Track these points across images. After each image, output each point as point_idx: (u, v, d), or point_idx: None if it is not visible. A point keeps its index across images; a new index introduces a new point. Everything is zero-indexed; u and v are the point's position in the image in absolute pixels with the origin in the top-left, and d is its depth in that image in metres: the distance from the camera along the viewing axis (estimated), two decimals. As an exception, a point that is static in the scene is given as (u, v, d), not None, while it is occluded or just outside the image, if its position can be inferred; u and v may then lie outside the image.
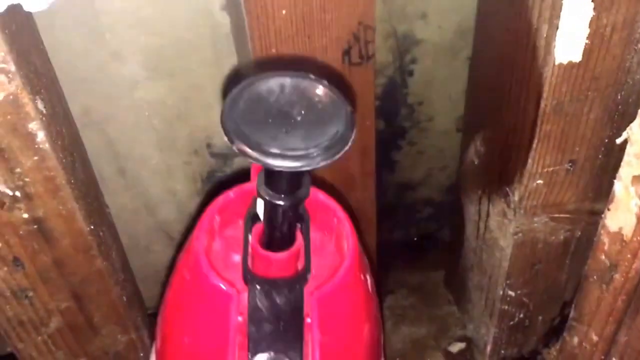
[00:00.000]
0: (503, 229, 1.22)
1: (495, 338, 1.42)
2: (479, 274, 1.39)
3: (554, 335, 1.44)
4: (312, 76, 0.67)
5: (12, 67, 0.74)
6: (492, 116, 1.18)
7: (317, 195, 0.86)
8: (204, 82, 1.21)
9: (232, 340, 0.74)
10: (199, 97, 1.23)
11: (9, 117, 0.77)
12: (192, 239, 0.82)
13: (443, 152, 1.52)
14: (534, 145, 1.05)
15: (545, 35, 0.94)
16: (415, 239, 1.70)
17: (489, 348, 1.44)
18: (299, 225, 0.78)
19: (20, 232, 0.88)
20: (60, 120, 0.90)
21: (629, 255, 1.01)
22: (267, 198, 0.69)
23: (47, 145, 0.81)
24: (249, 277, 0.75)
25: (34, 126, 0.79)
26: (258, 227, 0.78)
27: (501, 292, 1.31)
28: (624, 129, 0.94)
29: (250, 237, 0.78)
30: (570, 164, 1.10)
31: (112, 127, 1.20)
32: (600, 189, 1.14)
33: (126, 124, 1.21)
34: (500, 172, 1.18)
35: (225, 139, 0.62)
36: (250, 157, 0.61)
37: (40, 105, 0.79)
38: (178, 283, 0.84)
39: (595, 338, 1.16)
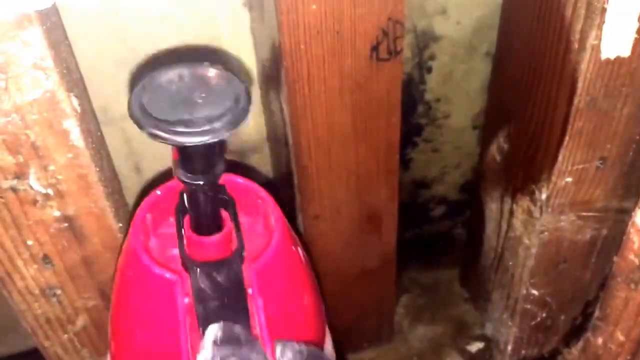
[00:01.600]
0: (528, 228, 1.22)
1: (516, 337, 1.42)
2: (501, 272, 1.39)
3: (575, 334, 1.44)
4: (206, 63, 0.73)
5: (50, 64, 0.74)
6: (517, 112, 1.18)
7: (237, 181, 0.90)
8: None
9: (182, 322, 0.77)
10: None
11: (45, 114, 0.77)
12: (128, 239, 0.83)
13: (459, 150, 1.52)
14: (565, 142, 1.05)
15: (580, 30, 0.94)
16: (429, 237, 1.69)
17: (509, 347, 1.44)
18: (225, 209, 0.83)
19: (51, 230, 0.88)
20: (89, 117, 0.90)
21: None
22: (185, 180, 0.74)
23: (81, 143, 0.82)
24: (188, 263, 0.78)
25: (69, 123, 0.80)
26: (189, 217, 0.82)
27: (524, 291, 1.31)
28: None
29: (183, 226, 0.81)
30: (600, 161, 1.10)
31: (130, 125, 1.19)
32: (630, 186, 1.13)
33: None
34: (526, 170, 1.18)
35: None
36: (161, 138, 0.68)
37: (75, 103, 0.80)
38: (121, 283, 0.86)
39: (621, 338, 1.16)
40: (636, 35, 0.89)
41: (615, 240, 1.15)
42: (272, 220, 0.87)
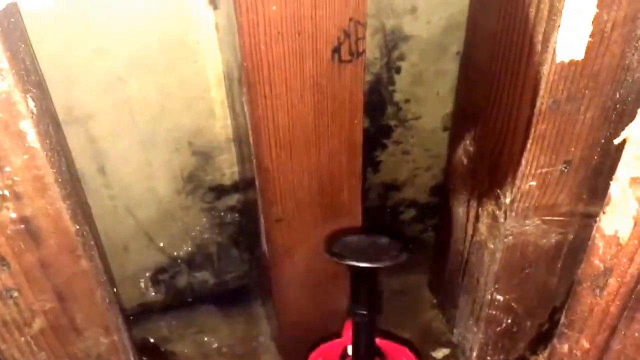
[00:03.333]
0: (493, 232, 1.24)
1: (482, 344, 1.44)
2: (467, 277, 1.41)
3: (542, 341, 1.46)
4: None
5: (6, 65, 0.75)
6: (482, 114, 1.19)
7: (388, 344, 1.25)
8: (187, 79, 1.23)
9: None
10: (181, 94, 1.24)
11: (0, 115, 0.78)
12: None
13: (429, 152, 1.54)
14: (528, 146, 1.07)
15: (543, 32, 0.96)
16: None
17: (474, 354, 1.46)
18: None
19: (8, 232, 0.88)
20: (48, 119, 0.91)
21: (624, 260, 1.02)
22: (356, 311, 1.16)
23: (37, 144, 0.82)
24: None
25: (25, 125, 0.80)
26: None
27: (489, 297, 1.32)
28: (622, 129, 0.96)
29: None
30: (565, 165, 1.11)
31: (94, 125, 1.21)
32: (596, 191, 1.15)
33: (108, 122, 1.22)
34: (491, 173, 1.20)
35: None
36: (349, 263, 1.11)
37: (31, 104, 0.80)
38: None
39: (586, 345, 1.17)
40: (590, 39, 0.91)
41: (582, 246, 1.17)
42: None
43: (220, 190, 1.43)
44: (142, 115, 1.24)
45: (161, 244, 1.49)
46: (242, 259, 1.59)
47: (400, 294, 1.65)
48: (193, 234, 1.50)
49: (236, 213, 1.49)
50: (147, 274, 1.53)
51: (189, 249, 1.52)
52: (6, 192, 0.85)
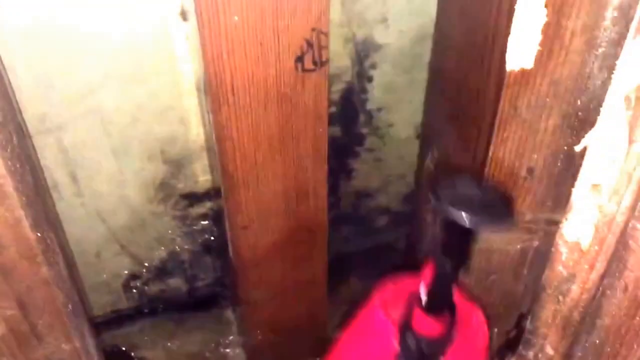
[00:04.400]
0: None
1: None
2: None
3: (509, 348, 1.46)
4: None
5: None
6: (449, 122, 1.20)
7: (463, 302, 1.14)
8: (159, 89, 1.23)
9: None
10: (154, 103, 1.24)
11: None
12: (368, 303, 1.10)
13: (402, 160, 1.54)
14: (490, 153, 1.07)
15: (501, 42, 0.95)
16: (372, 248, 1.71)
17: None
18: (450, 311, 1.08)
19: None
20: (11, 128, 0.90)
21: (586, 266, 1.02)
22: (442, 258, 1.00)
23: None
24: (406, 326, 1.04)
25: None
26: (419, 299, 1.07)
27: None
28: (584, 136, 0.96)
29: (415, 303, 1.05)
30: (527, 172, 1.11)
31: (67, 134, 1.21)
32: (559, 198, 1.15)
33: (81, 130, 1.22)
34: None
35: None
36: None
37: None
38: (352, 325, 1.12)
39: (550, 352, 1.18)
40: (540, 48, 0.91)
41: (547, 252, 1.16)
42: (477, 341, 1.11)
43: (192, 198, 1.43)
44: (114, 124, 1.25)
45: (133, 251, 1.48)
46: (213, 266, 1.59)
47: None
48: (165, 241, 1.50)
49: (208, 220, 1.49)
50: (120, 281, 1.53)
51: (161, 256, 1.52)
52: None
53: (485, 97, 1.04)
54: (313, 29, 0.96)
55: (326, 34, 0.97)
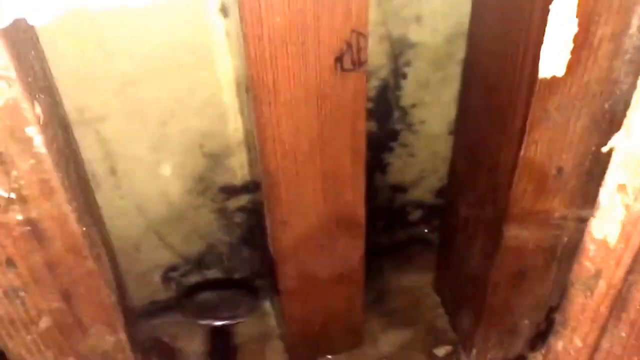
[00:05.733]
0: (491, 235, 1.26)
1: (482, 342, 1.46)
2: (468, 278, 1.43)
3: (540, 339, 1.47)
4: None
5: (13, 74, 0.77)
6: (482, 120, 1.21)
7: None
8: (198, 83, 1.24)
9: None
10: (193, 98, 1.26)
11: (7, 122, 0.80)
12: None
13: (435, 155, 1.55)
14: (522, 152, 1.08)
15: (535, 46, 0.97)
16: (406, 241, 1.73)
17: (474, 351, 1.48)
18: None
19: (14, 234, 0.90)
20: (56, 123, 0.93)
21: (612, 263, 1.04)
22: None
23: (43, 150, 0.84)
24: None
25: (31, 131, 0.82)
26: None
27: (490, 297, 1.34)
28: (611, 138, 0.98)
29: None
30: (557, 171, 1.13)
31: (106, 127, 1.23)
32: (587, 196, 1.16)
33: (120, 124, 1.24)
34: (489, 178, 1.22)
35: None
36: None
37: (38, 110, 0.82)
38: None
39: (579, 344, 1.19)
40: (571, 56, 0.93)
41: (576, 248, 1.18)
42: None
43: (230, 191, 1.45)
44: (154, 118, 1.26)
45: (172, 244, 1.50)
46: (251, 258, 1.61)
47: (404, 293, 1.67)
48: (203, 233, 1.51)
49: (246, 213, 1.50)
50: (158, 273, 1.55)
51: (199, 248, 1.54)
52: (12, 195, 0.87)
53: (517, 99, 1.06)
54: (352, 31, 0.97)
55: (365, 36, 0.98)
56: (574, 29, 0.89)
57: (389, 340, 1.57)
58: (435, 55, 1.37)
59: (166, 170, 1.35)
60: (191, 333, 1.58)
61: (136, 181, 1.34)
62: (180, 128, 1.30)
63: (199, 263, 1.58)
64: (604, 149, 0.99)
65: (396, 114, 1.44)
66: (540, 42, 0.95)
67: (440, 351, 1.55)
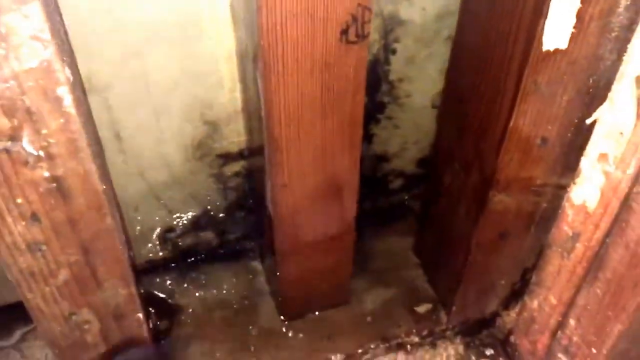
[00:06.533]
0: (477, 200, 1.27)
1: (461, 300, 1.48)
2: (450, 240, 1.45)
3: (514, 298, 1.51)
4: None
5: (48, 36, 0.78)
6: (471, 94, 1.23)
7: None
8: (201, 54, 1.25)
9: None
10: (195, 67, 1.27)
11: (40, 82, 0.81)
12: None
13: (418, 127, 1.58)
14: (511, 123, 1.10)
15: (529, 21, 0.99)
16: (387, 208, 1.76)
17: (454, 309, 1.50)
18: None
19: (40, 190, 0.91)
20: (79, 86, 0.94)
21: (591, 226, 1.08)
22: None
23: (72, 110, 0.85)
24: None
25: (62, 91, 0.83)
26: None
27: (471, 258, 1.36)
28: (594, 111, 1.01)
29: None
30: (542, 141, 1.15)
31: (112, 93, 1.23)
32: (567, 165, 1.19)
33: (125, 91, 1.24)
34: (477, 147, 1.23)
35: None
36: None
37: (67, 72, 0.83)
38: None
39: (554, 301, 1.23)
40: (574, 30, 0.94)
41: (553, 213, 1.21)
42: None
43: (227, 157, 1.46)
44: (158, 86, 1.27)
45: (170, 206, 1.52)
46: (243, 221, 1.62)
47: (386, 255, 1.68)
48: (200, 197, 1.53)
49: (241, 178, 1.52)
50: (156, 233, 1.56)
51: (196, 211, 1.55)
52: (41, 153, 0.87)
53: (509, 73, 1.07)
54: (359, 4, 0.98)
55: (370, 10, 0.99)
56: (578, 3, 0.90)
57: (373, 298, 1.58)
58: (422, 33, 1.39)
59: (168, 136, 1.36)
60: (186, 291, 1.59)
61: (139, 146, 1.35)
62: (182, 97, 1.31)
63: (195, 225, 1.58)
64: (588, 121, 1.02)
65: (384, 87, 1.46)
66: (535, 18, 0.97)
67: (421, 308, 1.57)
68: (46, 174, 0.90)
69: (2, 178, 0.88)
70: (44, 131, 0.85)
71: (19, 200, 0.91)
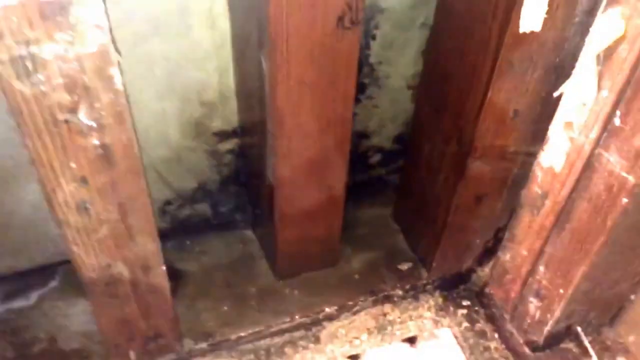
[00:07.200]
0: (455, 167, 1.40)
1: (440, 258, 1.62)
2: (430, 206, 1.57)
3: (487, 255, 1.66)
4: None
5: (106, 24, 0.89)
6: (449, 73, 1.35)
7: None
8: (200, 40, 1.37)
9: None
10: (195, 53, 1.38)
11: (97, 63, 0.92)
12: None
13: (395, 106, 1.71)
14: (488, 98, 1.23)
15: (504, 8, 1.12)
16: (366, 181, 1.89)
17: (433, 265, 1.64)
18: None
19: (90, 156, 1.01)
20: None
21: (558, 185, 1.21)
22: None
23: (120, 86, 0.96)
24: None
25: (114, 70, 0.94)
26: None
27: (450, 219, 1.50)
28: (560, 85, 1.14)
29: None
30: (514, 114, 1.28)
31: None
32: (536, 134, 1.32)
33: (131, 74, 1.29)
34: (455, 120, 1.35)
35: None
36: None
37: (117, 55, 0.94)
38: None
39: (525, 253, 1.37)
40: (546, 16, 1.07)
41: (523, 178, 1.34)
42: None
43: (222, 135, 1.57)
44: (161, 69, 1.37)
45: (169, 181, 1.62)
46: (236, 194, 1.73)
47: (368, 223, 1.82)
48: (196, 172, 1.63)
49: (234, 155, 1.63)
50: (156, 206, 1.66)
51: (192, 185, 1.66)
52: (94, 124, 0.98)
53: (486, 53, 1.19)
54: None
55: None
56: None
57: (359, 259, 1.72)
58: (400, 20, 1.52)
59: (169, 116, 1.47)
60: (186, 257, 1.71)
61: (142, 125, 1.40)
62: (182, 79, 1.41)
63: (191, 198, 1.69)
64: (555, 94, 1.15)
65: (365, 70, 1.59)
66: (510, 3, 1.10)
67: (404, 267, 1.70)
68: (96, 141, 1.00)
69: (60, 145, 0.98)
70: (97, 105, 0.96)
71: (73, 165, 1.01)
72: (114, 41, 0.92)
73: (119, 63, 0.95)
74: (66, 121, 0.96)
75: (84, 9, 0.86)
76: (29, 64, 0.88)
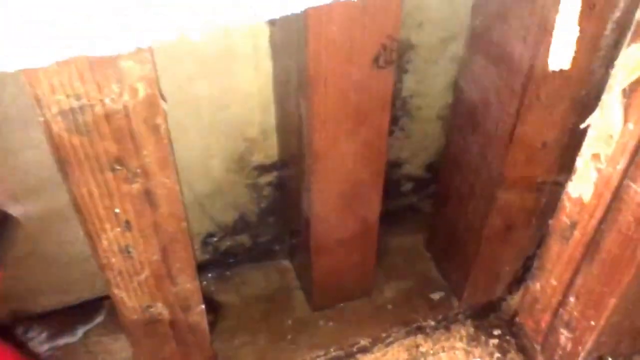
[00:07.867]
0: (485, 197, 1.40)
1: (472, 287, 1.63)
2: (461, 235, 1.57)
3: (517, 284, 1.66)
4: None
5: (153, 76, 0.91)
6: (480, 106, 1.35)
7: None
8: (243, 80, 1.39)
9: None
10: (239, 93, 1.41)
11: (144, 113, 0.94)
12: None
13: (426, 136, 1.72)
14: (517, 130, 1.24)
15: (533, 44, 1.13)
16: (398, 209, 1.89)
17: (465, 294, 1.65)
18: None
19: (134, 201, 1.03)
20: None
21: (586, 216, 1.21)
22: None
23: (165, 133, 0.98)
24: None
25: (160, 119, 0.96)
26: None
27: (480, 249, 1.50)
28: (587, 117, 1.15)
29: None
30: (542, 145, 1.28)
31: (168, 117, 1.36)
32: (563, 164, 1.32)
33: (179, 113, 1.37)
34: (485, 151, 1.36)
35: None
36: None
37: (163, 104, 0.96)
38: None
39: (555, 283, 1.36)
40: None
41: (551, 207, 1.35)
42: None
43: (262, 169, 1.59)
44: (206, 109, 1.40)
45: (211, 214, 1.64)
46: (274, 226, 1.75)
47: (400, 251, 1.82)
48: (237, 205, 1.65)
49: (273, 187, 1.65)
50: (199, 238, 1.69)
51: (234, 217, 1.68)
52: (139, 170, 1.00)
53: (513, 87, 1.20)
54: (388, 36, 1.12)
55: (397, 40, 1.13)
56: (577, 31, 0.97)
57: (392, 289, 1.73)
58: (430, 54, 1.53)
59: (213, 152, 1.49)
60: (226, 289, 1.73)
61: (187, 161, 1.47)
62: (226, 117, 1.44)
63: (232, 230, 1.72)
64: (582, 126, 1.15)
65: (397, 103, 1.60)
66: (536, 43, 1.11)
67: (436, 296, 1.71)
68: (141, 187, 1.02)
69: (106, 192, 1.00)
70: (144, 152, 0.98)
71: (117, 210, 1.04)
72: (160, 90, 0.94)
73: (165, 112, 0.96)
74: (113, 169, 0.98)
75: (132, 62, 0.88)
76: (79, 117, 0.90)
